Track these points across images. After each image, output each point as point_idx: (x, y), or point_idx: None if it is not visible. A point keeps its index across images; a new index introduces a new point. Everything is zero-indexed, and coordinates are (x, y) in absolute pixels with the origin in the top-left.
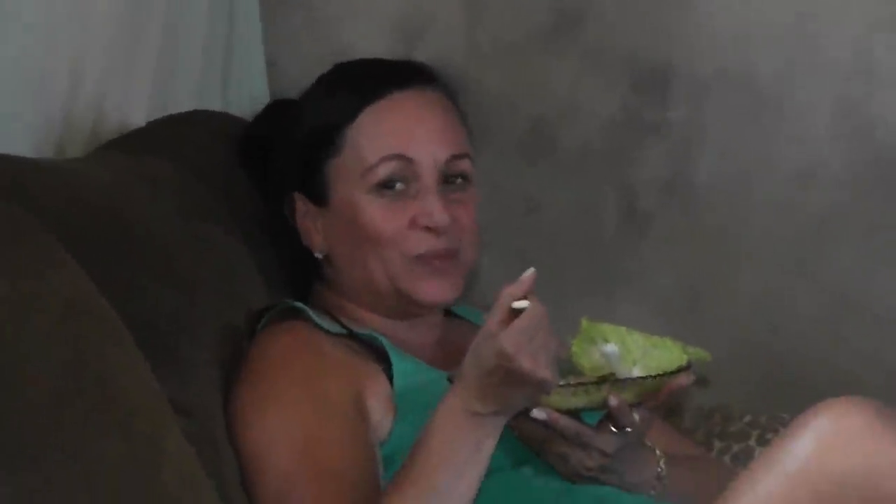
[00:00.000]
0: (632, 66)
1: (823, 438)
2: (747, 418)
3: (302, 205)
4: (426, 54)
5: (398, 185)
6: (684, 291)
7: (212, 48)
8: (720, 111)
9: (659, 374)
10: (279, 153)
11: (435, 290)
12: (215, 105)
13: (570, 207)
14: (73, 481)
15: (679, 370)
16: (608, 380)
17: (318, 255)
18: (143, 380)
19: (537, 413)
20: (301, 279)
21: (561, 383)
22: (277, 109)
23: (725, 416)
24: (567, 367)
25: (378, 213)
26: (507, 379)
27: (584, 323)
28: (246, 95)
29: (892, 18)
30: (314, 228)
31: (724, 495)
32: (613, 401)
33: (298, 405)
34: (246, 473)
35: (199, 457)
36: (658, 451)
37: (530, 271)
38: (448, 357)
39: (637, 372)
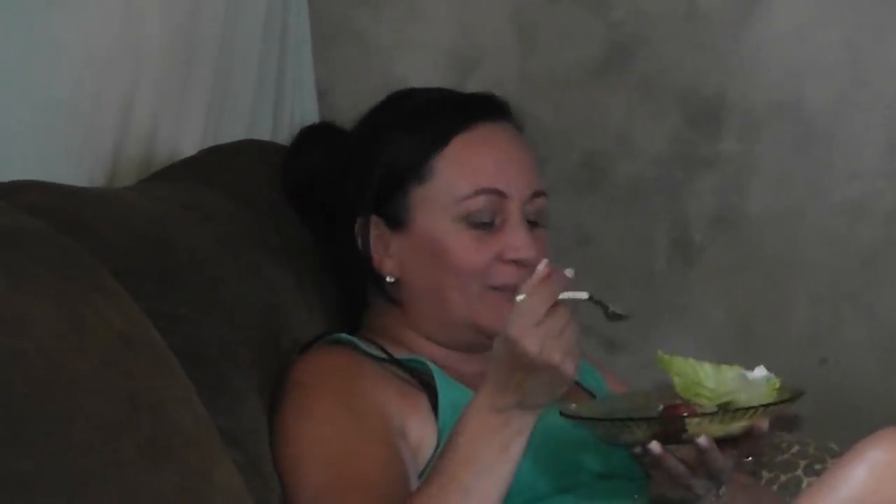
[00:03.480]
0: (684, 99)
1: (876, 469)
2: (795, 448)
3: (376, 228)
4: (479, 86)
5: (489, 219)
6: (735, 323)
7: (264, 78)
8: (772, 144)
9: (787, 400)
10: (352, 177)
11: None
12: (266, 135)
13: (621, 239)
14: None
15: (796, 396)
16: (746, 407)
17: (390, 279)
18: (194, 411)
19: (703, 441)
20: (352, 307)
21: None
22: (320, 136)
23: (774, 445)
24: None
25: (466, 245)
26: (517, 365)
27: (660, 356)
28: (297, 125)
29: None
30: (386, 252)
31: None
32: (765, 425)
33: (334, 422)
34: (284, 487)
35: (246, 486)
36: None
37: (543, 263)
38: None
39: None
